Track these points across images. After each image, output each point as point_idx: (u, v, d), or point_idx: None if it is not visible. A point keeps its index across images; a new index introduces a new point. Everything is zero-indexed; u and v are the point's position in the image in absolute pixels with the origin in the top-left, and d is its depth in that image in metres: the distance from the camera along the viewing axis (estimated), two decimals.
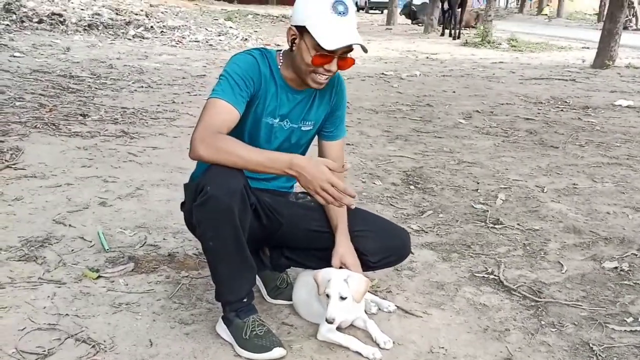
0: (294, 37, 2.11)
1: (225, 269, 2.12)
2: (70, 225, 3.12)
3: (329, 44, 2.01)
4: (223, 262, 2.11)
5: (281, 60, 2.21)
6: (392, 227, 2.49)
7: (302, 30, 2.07)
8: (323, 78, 2.12)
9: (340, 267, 2.23)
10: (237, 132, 2.11)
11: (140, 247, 2.92)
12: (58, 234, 3.00)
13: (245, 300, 2.16)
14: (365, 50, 2.14)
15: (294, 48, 2.13)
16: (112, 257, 2.79)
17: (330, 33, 2.02)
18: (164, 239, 3.03)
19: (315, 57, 2.06)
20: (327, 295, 2.14)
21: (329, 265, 2.26)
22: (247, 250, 2.11)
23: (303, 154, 2.33)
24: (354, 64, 2.15)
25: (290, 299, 2.45)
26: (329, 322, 2.10)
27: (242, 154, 1.98)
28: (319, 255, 2.37)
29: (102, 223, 3.17)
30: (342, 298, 2.12)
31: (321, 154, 2.40)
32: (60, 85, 6.71)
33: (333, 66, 2.09)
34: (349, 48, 2.08)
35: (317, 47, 2.03)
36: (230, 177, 1.99)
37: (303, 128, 2.30)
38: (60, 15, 12.70)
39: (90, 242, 2.94)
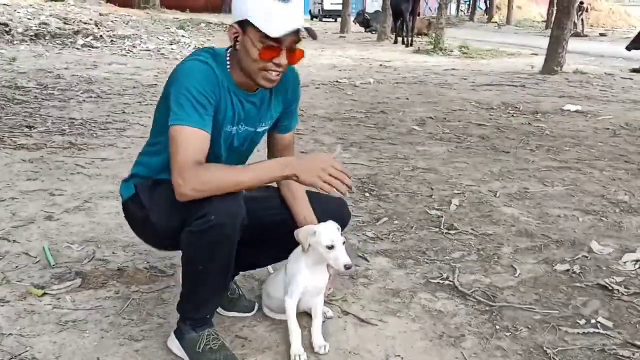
0: (236, 35, 1.98)
1: (205, 292, 2.06)
2: (14, 240, 3.01)
3: (274, 31, 1.88)
4: (206, 285, 2.04)
5: (229, 63, 2.06)
6: (330, 199, 2.37)
7: (244, 25, 1.94)
8: (274, 75, 1.99)
9: None
10: None
11: (88, 261, 2.82)
12: (1, 250, 2.89)
13: (208, 316, 2.12)
14: (314, 37, 2.12)
15: (237, 47, 1.99)
16: (59, 273, 2.70)
17: (274, 19, 1.89)
18: (113, 252, 2.94)
19: (262, 51, 1.93)
20: (330, 247, 2.06)
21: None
22: (231, 273, 2.10)
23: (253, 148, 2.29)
24: (303, 56, 2.04)
25: (245, 310, 2.41)
26: (347, 267, 2.06)
27: (231, 180, 1.90)
28: (280, 247, 2.27)
29: (48, 238, 3.07)
30: (343, 243, 2.09)
31: (271, 145, 2.32)
32: (5, 97, 6.51)
33: (282, 59, 1.96)
34: (297, 38, 1.97)
35: (263, 38, 1.91)
36: (232, 203, 1.92)
37: (259, 129, 2.20)
38: (6, 25, 12.36)
39: (36, 257, 2.84)
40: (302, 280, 2.16)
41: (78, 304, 2.44)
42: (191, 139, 1.91)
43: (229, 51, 2.08)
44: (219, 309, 2.40)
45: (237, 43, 1.99)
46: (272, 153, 2.32)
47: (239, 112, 2.09)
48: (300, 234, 2.13)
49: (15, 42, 11.39)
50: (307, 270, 2.16)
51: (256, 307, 2.44)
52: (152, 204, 2.09)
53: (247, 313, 2.42)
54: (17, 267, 2.73)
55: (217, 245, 1.94)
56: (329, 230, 2.10)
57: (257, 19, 1.90)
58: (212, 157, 2.02)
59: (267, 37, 1.91)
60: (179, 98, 1.93)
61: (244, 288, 2.55)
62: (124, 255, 2.92)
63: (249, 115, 2.13)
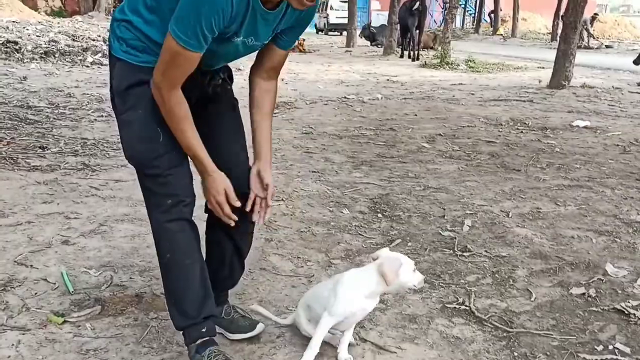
0: None
1: (180, 288, 2.21)
2: (32, 266, 3.04)
3: None
4: (179, 279, 2.20)
5: None
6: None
7: None
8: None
9: (264, 187, 2.27)
10: None
11: (106, 287, 2.85)
12: (20, 276, 2.92)
13: (204, 330, 2.18)
14: None
15: None
16: (78, 299, 2.72)
17: None
18: (130, 278, 2.97)
19: None
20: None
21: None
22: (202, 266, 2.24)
23: None
24: None
25: (246, 330, 2.43)
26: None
27: (183, 135, 2.05)
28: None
29: (65, 263, 3.09)
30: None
31: (262, 56, 2.29)
32: (17, 117, 6.57)
33: None
34: None
35: None
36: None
37: (265, 42, 2.19)
38: (16, 43, 12.48)
39: (54, 283, 2.86)
40: (356, 306, 2.20)
41: (98, 331, 2.46)
42: (185, 63, 1.97)
43: None
44: (225, 332, 2.43)
45: None
46: (260, 64, 2.30)
47: (253, 27, 2.05)
48: (386, 268, 2.15)
49: (25, 61, 11.48)
50: (365, 298, 2.20)
51: (259, 328, 2.46)
52: (128, 115, 2.14)
53: (249, 332, 2.44)
54: (36, 293, 2.76)
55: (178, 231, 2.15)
56: (411, 266, 2.23)
57: None
58: (207, 53, 2.02)
59: None
60: (188, 16, 1.89)
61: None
62: (141, 280, 2.94)
63: (261, 31, 2.10)
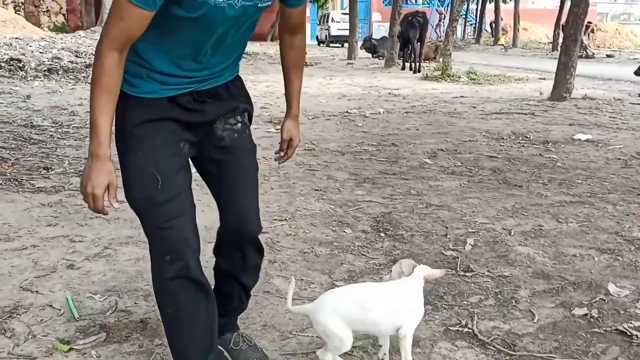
0: None
1: (180, 343, 2.17)
2: (37, 291, 3.06)
3: None
4: (179, 336, 2.16)
5: None
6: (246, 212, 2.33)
7: None
8: None
9: (289, 142, 2.40)
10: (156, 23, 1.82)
11: (111, 313, 2.87)
12: (26, 302, 2.94)
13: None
14: None
15: None
16: (83, 326, 2.74)
17: None
18: (135, 303, 2.99)
19: None
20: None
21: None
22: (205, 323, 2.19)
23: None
24: None
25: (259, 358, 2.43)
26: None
27: (94, 100, 1.81)
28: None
29: (70, 288, 3.12)
30: None
31: (282, 15, 2.21)
32: (21, 136, 6.62)
33: None
34: None
35: None
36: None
37: (260, 4, 1.93)
38: (19, 60, 12.59)
39: (60, 309, 2.88)
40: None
41: (104, 359, 2.48)
42: (131, 20, 1.76)
43: None
44: None
45: None
46: (282, 24, 2.26)
47: None
48: (429, 269, 2.37)
49: (29, 79, 11.57)
50: None
51: None
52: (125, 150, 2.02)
53: None
54: (42, 320, 2.78)
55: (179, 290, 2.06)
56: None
57: None
58: (188, 26, 1.86)
59: None
60: None
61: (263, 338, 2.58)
62: (145, 305, 2.96)
63: None
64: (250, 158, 2.27)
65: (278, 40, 2.36)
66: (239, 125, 2.19)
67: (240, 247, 2.30)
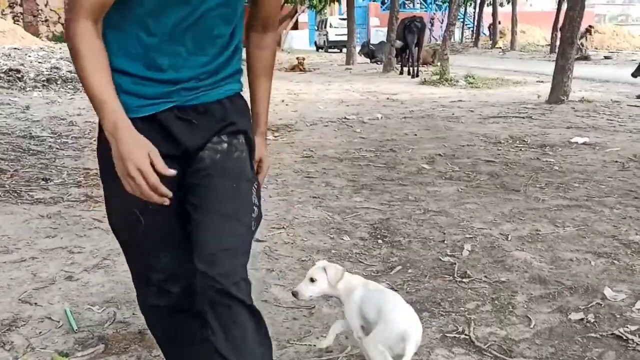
0: None
1: None
2: (36, 304, 3.08)
3: None
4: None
5: None
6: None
7: None
8: None
9: (258, 163, 1.99)
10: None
11: (110, 324, 2.88)
12: (25, 315, 2.96)
13: None
14: None
15: None
16: (81, 338, 2.76)
17: None
18: (133, 314, 3.00)
19: None
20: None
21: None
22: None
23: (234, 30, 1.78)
24: None
25: None
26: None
27: (86, 76, 1.55)
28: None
29: (69, 299, 3.13)
30: (312, 280, 2.35)
31: (253, 2, 1.90)
32: (20, 147, 6.65)
33: None
34: None
35: None
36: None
37: None
38: (18, 71, 12.62)
39: (58, 322, 2.90)
40: None
41: None
42: None
43: None
44: None
45: None
46: (252, 14, 1.94)
47: None
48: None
49: (28, 89, 11.59)
50: None
51: None
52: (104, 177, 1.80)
53: None
54: (40, 332, 2.80)
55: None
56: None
57: None
58: (170, 50, 1.66)
59: None
60: None
61: None
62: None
63: None
64: (232, 185, 1.78)
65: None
66: (224, 145, 1.79)
67: (210, 305, 1.70)
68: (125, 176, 1.52)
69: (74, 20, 1.55)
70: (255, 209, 1.85)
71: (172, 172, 1.57)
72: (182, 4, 1.62)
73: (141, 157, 1.51)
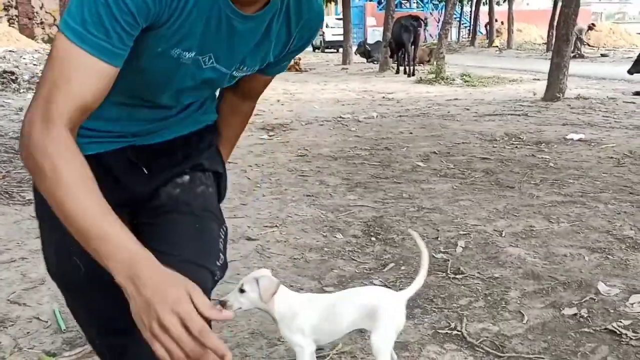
0: None
1: None
2: (25, 304, 3.05)
3: None
4: None
5: None
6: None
7: None
8: None
9: None
10: None
11: None
12: (13, 315, 2.93)
13: None
14: None
15: None
16: (69, 337, 2.73)
17: None
18: None
19: None
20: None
21: None
22: None
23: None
24: None
25: None
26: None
27: (67, 203, 1.08)
28: None
29: (57, 300, 3.09)
30: (241, 290, 1.90)
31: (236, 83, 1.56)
32: (13, 149, 6.60)
33: None
34: None
35: None
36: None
37: (236, 73, 1.42)
38: (12, 73, 12.56)
39: (47, 322, 2.87)
40: None
41: None
42: (84, 74, 1.14)
43: None
44: None
45: None
46: (234, 90, 1.64)
47: (214, 42, 1.29)
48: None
49: (22, 91, 11.55)
50: None
51: None
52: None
53: None
54: (28, 332, 2.77)
55: None
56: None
57: None
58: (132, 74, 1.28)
59: None
60: None
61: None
62: None
63: (232, 50, 1.34)
64: (195, 225, 1.50)
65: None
66: (186, 178, 1.52)
67: None
68: (157, 330, 1.01)
69: (43, 130, 1.11)
70: (222, 255, 1.54)
71: (229, 315, 1.14)
72: (159, 88, 1.38)
73: (178, 298, 1.03)
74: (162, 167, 1.49)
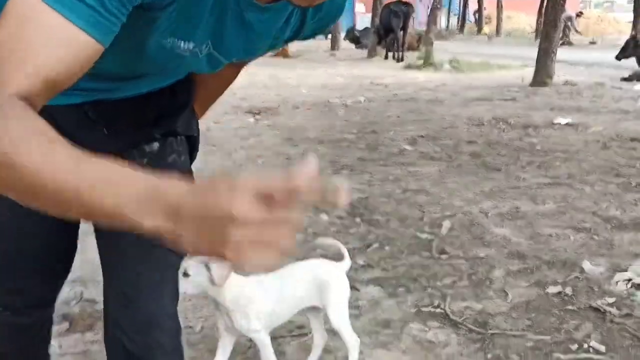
0: None
1: None
2: None
3: None
4: None
5: None
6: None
7: None
8: None
9: None
10: None
11: (76, 303, 2.81)
12: None
13: None
14: None
15: None
16: None
17: None
18: (100, 292, 2.91)
19: None
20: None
21: None
22: None
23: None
24: None
25: None
26: None
27: (60, 183, 0.74)
28: None
29: None
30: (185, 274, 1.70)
31: None
32: None
33: None
34: None
35: None
36: None
37: (236, 60, 1.25)
38: None
39: None
40: None
41: (65, 348, 2.43)
42: (55, 41, 0.82)
43: None
44: None
45: None
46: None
47: (217, 27, 1.07)
48: None
49: None
50: None
51: None
52: None
53: None
54: None
55: None
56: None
57: None
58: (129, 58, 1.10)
59: None
60: None
61: None
62: None
63: (237, 39, 1.11)
64: None
65: None
66: (155, 145, 1.36)
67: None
68: (238, 233, 0.67)
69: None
70: None
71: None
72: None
73: (230, 187, 0.68)
74: (128, 127, 1.29)
